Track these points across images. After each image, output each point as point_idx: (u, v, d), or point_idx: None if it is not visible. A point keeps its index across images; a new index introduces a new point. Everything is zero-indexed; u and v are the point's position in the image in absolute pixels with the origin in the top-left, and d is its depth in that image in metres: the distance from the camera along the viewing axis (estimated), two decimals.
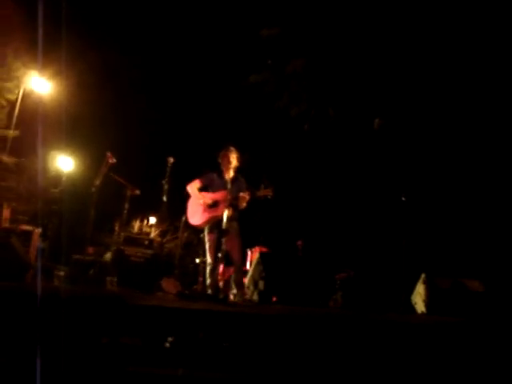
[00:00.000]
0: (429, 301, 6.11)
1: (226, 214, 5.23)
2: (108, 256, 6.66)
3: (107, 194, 6.97)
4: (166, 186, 6.30)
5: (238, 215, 5.48)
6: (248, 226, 6.06)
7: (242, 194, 5.30)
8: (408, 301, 6.28)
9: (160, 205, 6.47)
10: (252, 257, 7.93)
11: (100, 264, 6.16)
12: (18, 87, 9.66)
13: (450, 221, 8.62)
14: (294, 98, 8.56)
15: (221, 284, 6.36)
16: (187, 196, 5.63)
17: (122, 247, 6.46)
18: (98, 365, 2.80)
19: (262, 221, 9.96)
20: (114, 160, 6.44)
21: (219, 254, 5.34)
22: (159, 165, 6.50)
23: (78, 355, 2.80)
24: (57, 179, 10.25)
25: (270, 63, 8.46)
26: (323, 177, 10.27)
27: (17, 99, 9.46)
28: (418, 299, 6.32)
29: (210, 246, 5.43)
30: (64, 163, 10.47)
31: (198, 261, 7.95)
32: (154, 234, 8.02)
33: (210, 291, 5.35)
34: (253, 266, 6.69)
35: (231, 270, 5.93)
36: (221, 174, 5.55)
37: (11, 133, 9.32)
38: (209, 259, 5.44)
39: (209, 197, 5.44)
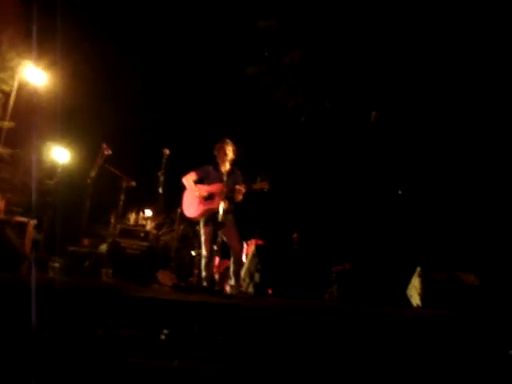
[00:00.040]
0: (424, 294, 6.13)
1: (221, 207, 5.21)
2: (103, 248, 6.64)
3: (103, 186, 6.95)
4: (161, 178, 6.27)
5: (233, 208, 5.46)
6: (244, 218, 6.04)
7: (237, 186, 5.28)
8: (403, 294, 6.30)
9: (156, 197, 6.45)
10: (248, 249, 7.93)
11: (95, 256, 6.15)
12: (13, 78, 9.56)
13: (446, 214, 8.63)
14: (290, 89, 8.53)
15: (216, 276, 6.36)
16: (183, 188, 5.61)
17: (118, 239, 6.45)
18: (93, 357, 2.79)
19: (258, 213, 9.95)
20: (110, 151, 6.42)
21: (215, 247, 5.32)
22: (155, 156, 6.47)
23: (73, 347, 2.79)
24: (52, 171, 10.22)
25: (267, 55, 8.41)
26: (320, 170, 10.26)
27: (11, 90, 9.37)
28: (414, 292, 6.34)
29: (205, 239, 5.42)
30: (59, 155, 10.44)
31: (193, 253, 7.94)
32: (149, 226, 7.99)
33: (205, 284, 5.34)
34: (248, 258, 6.70)
35: (227, 262, 5.93)
36: (217, 167, 5.52)
37: (6, 124, 9.24)
38: (204, 252, 5.43)
39: (204, 189, 5.42)
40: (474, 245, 8.00)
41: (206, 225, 5.42)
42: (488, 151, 8.35)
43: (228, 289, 5.41)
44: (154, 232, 8.14)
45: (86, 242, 7.07)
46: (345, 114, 8.77)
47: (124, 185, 6.71)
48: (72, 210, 8.47)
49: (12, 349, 2.69)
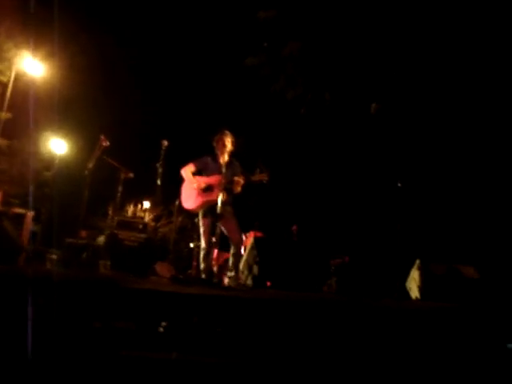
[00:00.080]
0: (423, 287, 6.12)
1: (220, 199, 5.18)
2: (101, 240, 6.61)
3: (100, 177, 6.93)
4: (160, 170, 6.24)
5: (232, 200, 5.43)
6: (243, 210, 6.02)
7: (236, 178, 5.24)
8: (402, 286, 6.30)
9: (154, 188, 6.42)
10: (246, 241, 7.91)
11: (93, 248, 6.10)
12: (10, 69, 9.51)
13: (446, 207, 8.63)
14: (290, 81, 8.47)
15: (215, 269, 6.35)
16: (181, 180, 5.57)
17: (116, 231, 6.41)
18: (91, 349, 2.77)
19: (256, 205, 9.94)
20: (108, 143, 6.38)
21: (213, 239, 5.30)
22: (153, 148, 6.44)
23: (71, 339, 2.77)
24: (49, 162, 10.19)
25: (266, 46, 8.34)
26: (319, 162, 10.24)
27: (9, 81, 9.32)
28: (413, 285, 6.33)
29: (204, 231, 5.39)
30: (57, 146, 10.40)
31: (192, 245, 7.93)
32: (148, 218, 7.98)
33: (203, 276, 5.32)
34: (247, 250, 6.68)
35: (225, 254, 5.91)
36: (215, 158, 5.48)
37: (3, 115, 9.21)
38: (203, 244, 5.40)
39: (203, 181, 5.38)
40: (474, 237, 8.00)
41: (204, 216, 5.39)
42: (488, 144, 8.33)
43: (226, 281, 5.39)
44: (153, 224, 8.14)
45: (83, 233, 7.03)
46: (344, 105, 8.73)
47: (122, 176, 6.67)
48: (70, 201, 8.45)
49: (9, 340, 2.67)
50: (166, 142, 6.22)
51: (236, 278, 5.35)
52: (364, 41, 7.97)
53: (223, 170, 5.33)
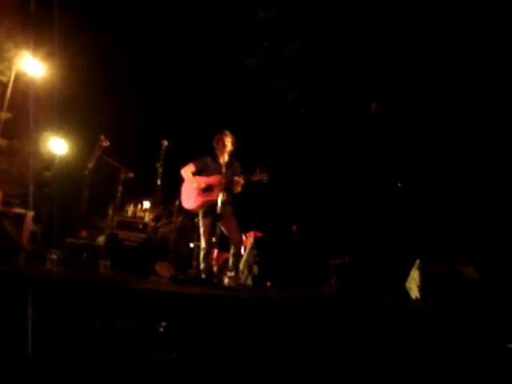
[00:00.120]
0: (423, 287, 6.11)
1: (220, 199, 5.17)
2: (101, 240, 6.61)
3: (100, 177, 6.92)
4: (160, 170, 6.23)
5: (232, 200, 5.42)
6: (243, 210, 6.02)
7: (236, 178, 5.24)
8: (402, 286, 6.29)
9: (154, 188, 6.41)
10: (246, 241, 7.91)
11: (93, 248, 6.10)
12: (10, 69, 9.51)
13: (446, 207, 8.62)
14: (290, 81, 8.46)
15: (215, 269, 6.34)
16: (181, 180, 5.57)
17: (116, 231, 6.41)
18: (90, 349, 2.77)
19: (256, 205, 9.93)
20: (108, 143, 6.38)
21: (213, 239, 5.30)
22: (153, 148, 6.44)
23: (71, 339, 2.77)
24: (49, 162, 10.19)
25: (266, 46, 8.34)
26: (319, 162, 10.24)
27: (9, 81, 9.32)
28: (413, 285, 6.33)
29: (204, 231, 5.38)
30: (57, 146, 10.40)
31: (192, 245, 7.93)
32: (148, 218, 7.98)
33: (203, 276, 5.32)
34: (247, 250, 6.68)
35: (225, 254, 5.90)
36: (215, 158, 5.47)
37: (3, 115, 9.21)
38: (203, 244, 5.40)
39: (203, 181, 5.37)
40: (474, 238, 8.00)
41: (204, 216, 5.38)
42: (488, 144, 8.32)
43: (226, 281, 5.38)
44: (153, 224, 8.14)
45: (83, 233, 7.03)
46: (344, 105, 8.73)
47: (122, 176, 6.67)
48: (69, 201, 8.44)
49: (9, 340, 2.67)
50: (165, 142, 6.21)
51: (236, 278, 5.35)
52: (364, 41, 7.97)
53: (223, 169, 5.32)
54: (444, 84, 8.09)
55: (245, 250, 7.03)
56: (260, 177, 5.29)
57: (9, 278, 3.23)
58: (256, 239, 6.74)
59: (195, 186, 5.33)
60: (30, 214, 6.83)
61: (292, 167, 10.44)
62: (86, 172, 6.34)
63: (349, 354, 3.08)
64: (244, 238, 8.15)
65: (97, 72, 11.36)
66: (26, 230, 6.63)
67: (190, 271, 7.11)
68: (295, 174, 10.52)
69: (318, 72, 8.38)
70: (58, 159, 10.15)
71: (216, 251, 6.47)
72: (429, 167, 8.65)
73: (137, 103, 12.44)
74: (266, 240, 7.13)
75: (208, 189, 5.32)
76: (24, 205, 7.49)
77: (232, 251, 5.37)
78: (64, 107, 10.27)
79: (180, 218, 8.31)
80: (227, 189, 5.26)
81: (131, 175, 6.78)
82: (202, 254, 5.42)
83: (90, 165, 6.32)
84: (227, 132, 5.54)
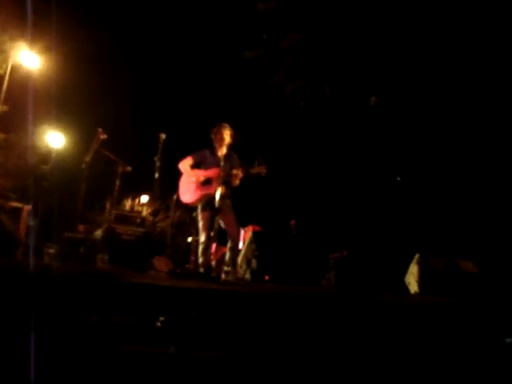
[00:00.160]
0: (422, 281, 6.10)
1: (218, 192, 5.15)
2: (99, 234, 6.58)
3: (98, 171, 6.90)
4: (158, 163, 6.19)
5: (230, 193, 5.40)
6: (241, 204, 6.00)
7: (235, 171, 5.21)
8: (401, 281, 6.29)
9: (152, 182, 6.38)
10: (245, 235, 7.89)
11: (91, 242, 6.08)
12: (6, 61, 9.43)
13: (445, 201, 8.62)
14: (289, 73, 8.44)
15: (213, 263, 6.32)
16: (179, 174, 5.53)
17: (114, 225, 6.39)
18: (88, 343, 2.76)
19: (255, 199, 9.91)
20: (105, 136, 6.35)
21: (212, 233, 5.28)
22: (151, 141, 6.39)
23: (68, 333, 2.75)
24: (46, 155, 10.15)
25: (265, 38, 8.30)
26: (318, 155, 10.22)
27: (5, 73, 9.25)
28: (412, 279, 6.32)
29: (203, 225, 5.35)
30: (54, 139, 10.36)
31: (190, 240, 7.92)
32: (145, 212, 7.93)
33: (202, 270, 5.30)
34: (246, 244, 6.66)
35: (224, 248, 5.88)
36: (213, 151, 5.44)
37: None
38: (202, 238, 5.37)
39: (201, 174, 5.34)
40: (473, 232, 7.99)
41: (203, 210, 5.35)
42: (488, 138, 8.30)
43: (225, 275, 5.36)
44: (150, 218, 8.10)
45: (81, 227, 7.01)
46: (344, 98, 8.70)
47: (119, 170, 6.65)
48: (67, 195, 8.41)
49: (7, 334, 2.65)
50: (163, 136, 6.17)
51: (233, 272, 5.33)
52: (364, 33, 7.94)
53: (221, 163, 5.29)
54: (444, 77, 8.06)
55: (243, 243, 7.02)
56: (258, 169, 5.27)
57: (6, 271, 3.21)
58: (254, 233, 6.72)
59: (194, 179, 5.29)
60: (28, 207, 6.81)
61: (291, 160, 10.42)
62: (84, 166, 6.32)
63: (347, 349, 3.07)
64: (242, 231, 8.15)
65: (94, 65, 11.31)
66: (23, 224, 6.61)
67: (187, 265, 7.09)
68: (294, 167, 10.51)
69: (317, 65, 8.35)
70: (55, 153, 10.12)
71: (214, 245, 6.45)
72: (428, 161, 8.63)
73: (135, 96, 12.39)
74: (265, 234, 7.11)
75: (206, 182, 5.29)
76: (21, 199, 7.46)
77: (229, 245, 5.35)
78: (61, 100, 10.21)
79: (178, 213, 8.27)
80: (226, 182, 5.23)
81: (129, 169, 6.75)
82: (200, 248, 5.39)
83: (88, 158, 6.30)
84: (225, 125, 5.50)
